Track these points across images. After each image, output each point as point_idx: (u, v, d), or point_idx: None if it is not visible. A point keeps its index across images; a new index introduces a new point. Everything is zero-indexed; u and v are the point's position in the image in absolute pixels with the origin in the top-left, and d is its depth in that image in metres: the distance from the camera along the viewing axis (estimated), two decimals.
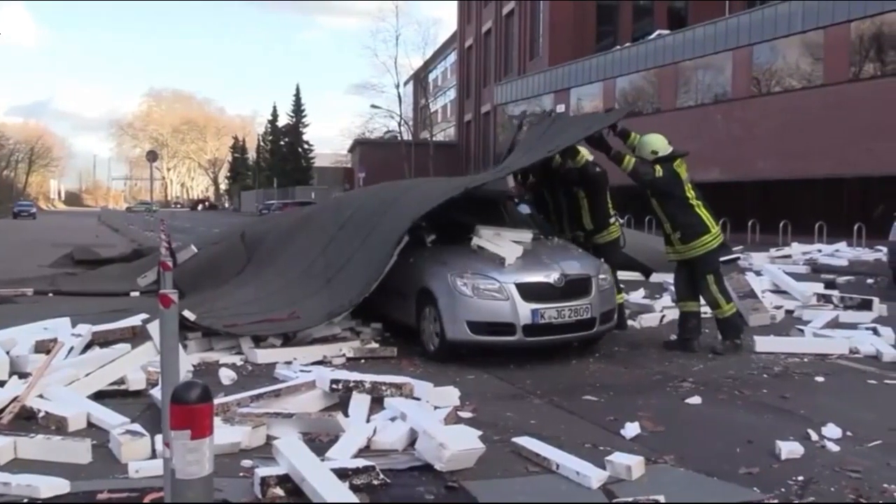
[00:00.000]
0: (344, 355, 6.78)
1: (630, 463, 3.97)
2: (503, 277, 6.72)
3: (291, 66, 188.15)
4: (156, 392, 5.01)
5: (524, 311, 6.59)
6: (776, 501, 3.64)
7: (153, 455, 4.11)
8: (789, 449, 4.40)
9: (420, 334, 7.17)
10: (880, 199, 21.40)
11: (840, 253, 18.42)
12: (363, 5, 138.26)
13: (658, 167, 7.27)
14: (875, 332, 7.88)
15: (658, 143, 7.39)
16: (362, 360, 6.73)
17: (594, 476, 3.86)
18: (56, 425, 4.69)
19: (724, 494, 3.74)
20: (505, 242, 7.24)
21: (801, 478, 4.03)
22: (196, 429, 2.47)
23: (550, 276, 6.81)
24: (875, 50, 24.66)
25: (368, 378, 5.27)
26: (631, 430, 4.78)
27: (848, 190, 24.36)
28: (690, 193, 7.32)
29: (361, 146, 62.07)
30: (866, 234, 20.36)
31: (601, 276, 7.16)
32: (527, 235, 7.61)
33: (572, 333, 6.87)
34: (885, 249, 13.95)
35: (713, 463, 4.26)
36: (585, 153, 8.37)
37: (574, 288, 6.85)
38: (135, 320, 7.28)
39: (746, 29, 28.33)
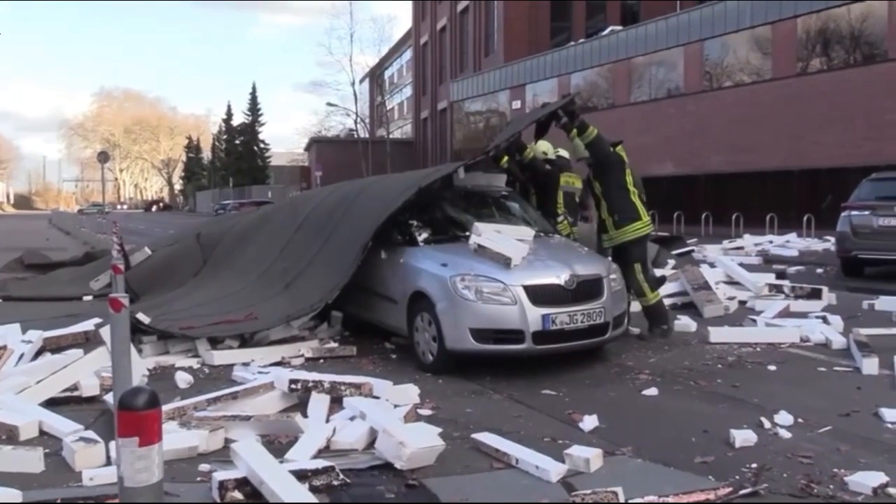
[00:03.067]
0: (303, 355, 6.73)
1: (588, 455, 4.01)
2: (509, 279, 6.09)
3: (239, 64, 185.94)
4: (109, 398, 4.92)
5: (534, 316, 5.98)
6: (731, 489, 3.70)
7: (108, 462, 4.04)
8: (743, 437, 4.49)
9: (413, 344, 6.62)
10: (828, 191, 21.92)
11: (791, 244, 18.83)
12: (305, 4, 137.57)
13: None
14: (824, 320, 8.08)
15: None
16: (321, 360, 6.69)
17: (553, 470, 3.90)
18: (7, 434, 4.58)
19: (680, 483, 3.80)
20: (508, 241, 6.58)
21: (754, 465, 4.12)
22: (144, 435, 2.43)
23: (560, 278, 6.21)
24: (821, 45, 25.24)
25: (327, 378, 5.24)
26: (589, 422, 4.83)
27: (797, 182, 24.90)
28: (629, 179, 7.66)
29: (318, 144, 61.65)
30: (815, 225, 20.85)
31: (612, 277, 6.66)
32: (528, 232, 7.02)
33: (585, 340, 6.29)
34: (833, 240, 14.29)
35: (670, 453, 4.33)
36: (542, 148, 8.45)
37: (585, 290, 6.29)
38: (87, 325, 7.16)
39: (697, 25, 28.79)
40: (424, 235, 7.04)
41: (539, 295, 6.07)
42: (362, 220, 7.40)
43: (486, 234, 6.65)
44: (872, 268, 12.88)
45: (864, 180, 12.97)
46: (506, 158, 8.33)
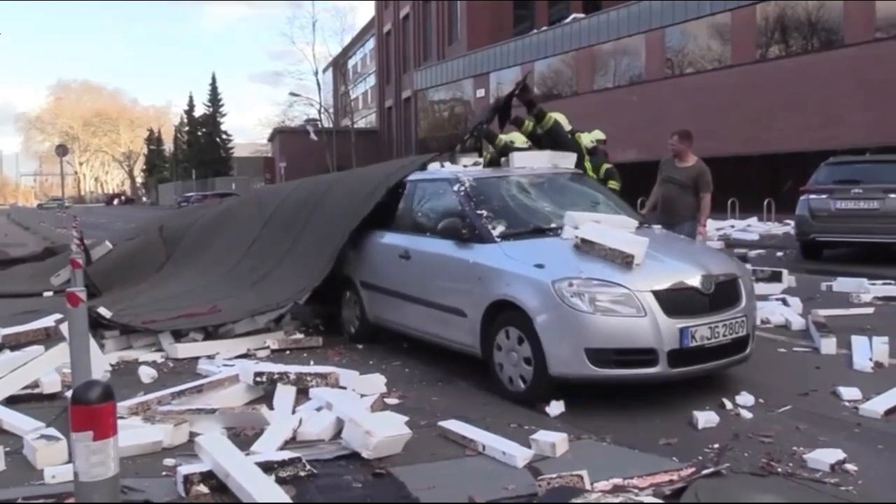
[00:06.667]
0: (268, 347, 6.69)
1: (554, 440, 4.05)
2: (634, 283, 4.84)
3: (193, 56, 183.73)
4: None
5: (669, 330, 4.76)
6: (694, 469, 3.76)
7: (70, 460, 3.98)
8: (706, 419, 4.58)
9: (492, 367, 5.39)
10: (787, 175, 22.28)
11: (751, 228, 19.15)
12: None
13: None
14: (784, 302, 8.23)
15: (562, 120, 7.76)
16: (287, 352, 6.65)
17: (519, 455, 3.92)
18: None
19: (645, 465, 3.85)
20: (618, 233, 5.34)
21: (716, 445, 4.20)
22: (99, 429, 2.40)
23: (695, 279, 5.00)
24: (779, 31, 25.59)
25: (293, 369, 5.22)
26: (555, 408, 4.87)
27: (757, 167, 25.27)
28: (588, 165, 7.72)
29: (282, 135, 61.11)
30: (775, 209, 21.19)
31: (746, 276, 5.57)
32: (629, 222, 5.91)
33: (727, 358, 5.11)
34: (792, 223, 14.55)
35: (634, 436, 4.40)
36: (508, 137, 8.43)
37: (724, 294, 5.11)
38: (47, 321, 7.02)
39: (658, 12, 29.02)
40: (501, 229, 5.66)
41: (673, 303, 4.85)
42: (332, 222, 7.36)
43: (584, 225, 5.43)
44: (830, 250, 13.15)
45: (822, 164, 13.20)
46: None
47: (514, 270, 5.21)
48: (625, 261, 4.98)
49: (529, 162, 6.77)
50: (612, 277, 4.89)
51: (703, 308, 4.96)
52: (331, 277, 7.09)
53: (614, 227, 5.54)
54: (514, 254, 5.35)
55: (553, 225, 5.72)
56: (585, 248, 5.19)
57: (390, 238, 6.74)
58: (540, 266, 5.07)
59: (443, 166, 7.13)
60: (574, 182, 6.76)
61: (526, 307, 5.00)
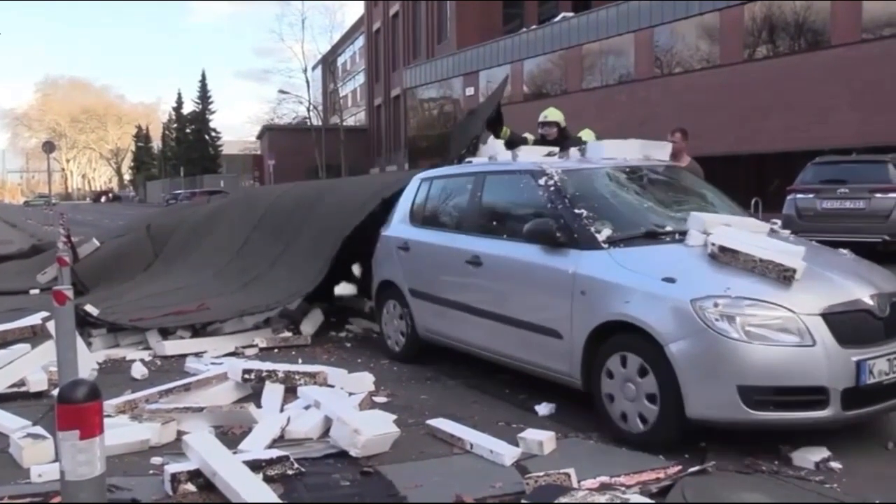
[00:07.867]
0: (256, 345, 6.69)
1: (541, 438, 4.07)
2: (798, 304, 3.92)
3: (181, 53, 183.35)
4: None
5: (843, 363, 3.85)
6: (680, 467, 3.79)
7: (57, 458, 3.97)
8: None
9: (599, 402, 4.42)
10: (774, 175, 22.40)
11: None
12: None
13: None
14: None
15: (559, 116, 7.88)
16: (275, 350, 6.66)
17: (507, 454, 3.94)
18: None
19: (632, 463, 3.88)
20: (764, 240, 4.48)
21: (703, 444, 4.22)
22: (85, 428, 2.40)
23: (867, 297, 4.09)
24: (767, 32, 25.71)
25: (281, 367, 5.23)
26: (544, 408, 4.89)
27: (745, 166, 25.38)
28: None
29: (270, 132, 60.94)
30: (763, 209, 21.29)
31: None
32: (761, 226, 5.00)
33: None
34: (779, 222, 14.61)
35: (621, 434, 4.41)
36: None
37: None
38: (34, 319, 7.00)
39: (647, 11, 29.08)
40: (607, 232, 4.64)
41: (845, 329, 3.92)
42: (326, 230, 7.40)
43: (715, 229, 4.49)
44: None
45: (808, 164, 13.28)
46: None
47: (634, 285, 4.25)
48: (782, 275, 4.03)
49: (619, 152, 5.72)
50: (770, 296, 3.95)
51: (878, 335, 4.03)
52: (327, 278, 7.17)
53: (747, 231, 4.64)
54: (630, 264, 4.38)
55: (669, 228, 4.74)
56: (725, 258, 4.23)
57: (453, 240, 5.78)
58: (670, 280, 4.14)
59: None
60: (673, 176, 5.77)
61: (654, 331, 4.05)
